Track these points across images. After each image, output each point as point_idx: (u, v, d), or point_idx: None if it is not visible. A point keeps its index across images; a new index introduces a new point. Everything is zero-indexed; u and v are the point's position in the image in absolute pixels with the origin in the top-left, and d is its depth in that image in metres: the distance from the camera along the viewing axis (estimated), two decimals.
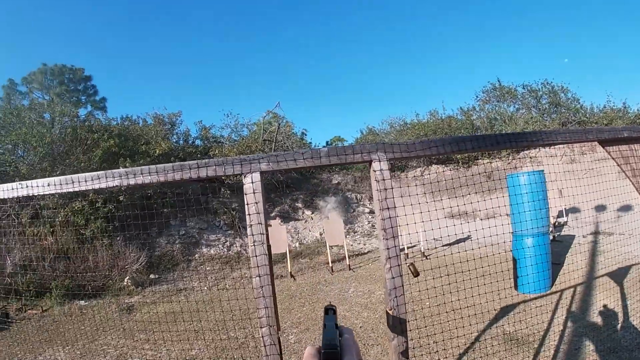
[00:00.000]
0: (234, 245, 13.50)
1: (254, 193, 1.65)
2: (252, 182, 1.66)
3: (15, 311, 7.99)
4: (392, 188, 1.64)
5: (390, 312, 1.63)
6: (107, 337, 6.52)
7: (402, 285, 1.62)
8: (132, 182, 1.83)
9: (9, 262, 8.90)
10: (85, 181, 1.93)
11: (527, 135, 1.92)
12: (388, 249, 1.62)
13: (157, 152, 14.53)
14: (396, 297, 1.61)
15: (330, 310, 0.99)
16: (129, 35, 49.07)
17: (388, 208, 1.63)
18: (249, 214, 1.64)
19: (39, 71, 25.06)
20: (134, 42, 49.30)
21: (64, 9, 44.72)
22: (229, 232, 14.18)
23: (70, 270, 9.19)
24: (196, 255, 12.30)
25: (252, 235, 1.62)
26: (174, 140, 17.79)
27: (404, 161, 19.45)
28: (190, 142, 18.77)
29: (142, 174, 1.80)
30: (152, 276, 10.45)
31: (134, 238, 11.28)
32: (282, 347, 5.47)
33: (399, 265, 1.62)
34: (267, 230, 1.67)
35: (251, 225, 1.63)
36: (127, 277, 9.75)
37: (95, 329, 6.97)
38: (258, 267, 1.61)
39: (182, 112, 18.50)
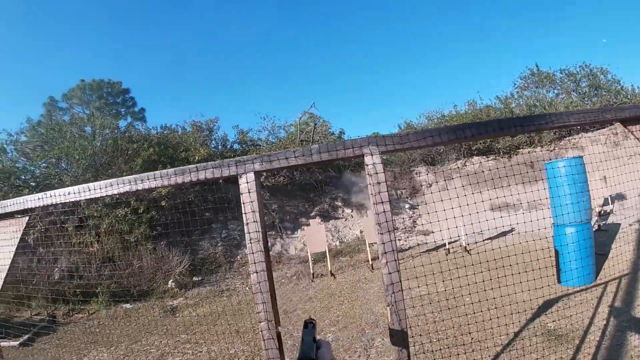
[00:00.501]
0: (275, 245, 13.64)
1: (249, 192, 1.67)
2: (247, 182, 1.68)
3: (62, 315, 8.40)
4: (385, 182, 1.61)
5: (388, 308, 1.61)
6: (150, 338, 6.75)
7: (400, 281, 1.60)
8: (140, 187, 1.91)
9: (56, 269, 9.36)
10: (100, 188, 2.03)
11: (534, 119, 1.83)
12: (384, 243, 1.61)
13: (197, 158, 14.84)
14: (394, 292, 1.59)
15: (309, 324, 1.01)
16: (161, 47, 50.60)
17: (382, 202, 1.61)
18: (245, 213, 1.67)
19: (77, 87, 26.11)
20: (167, 54, 50.80)
21: (98, 27, 46.51)
22: (270, 232, 14.33)
23: (116, 275, 9.57)
24: (238, 257, 12.48)
25: (249, 233, 1.65)
26: (213, 146, 18.09)
27: (444, 154, 19.13)
28: (228, 146, 19.02)
29: (148, 179, 1.88)
30: (195, 278, 10.70)
31: (177, 242, 11.60)
32: None
33: (395, 260, 1.61)
34: (264, 228, 1.69)
35: (247, 223, 1.66)
36: (171, 280, 10.04)
37: (139, 331, 7.23)
38: (255, 263, 1.64)
39: (219, 118, 18.83)
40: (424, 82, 59.86)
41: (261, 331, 1.61)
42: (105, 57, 46.53)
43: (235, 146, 19.23)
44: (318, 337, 1.00)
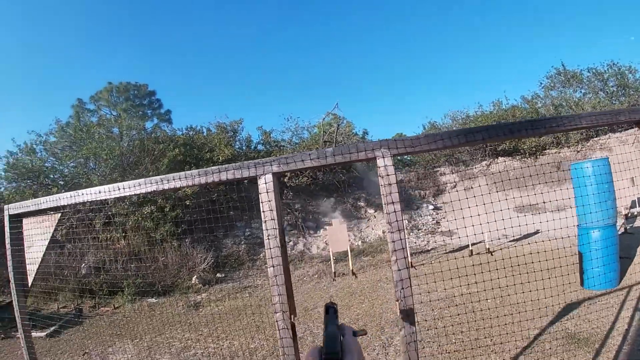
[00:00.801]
0: (297, 244, 13.79)
1: (267, 192, 1.78)
2: (266, 183, 1.79)
3: (89, 309, 8.70)
4: (396, 183, 1.69)
5: (397, 303, 1.69)
6: (174, 332, 6.94)
7: (409, 277, 1.68)
8: (166, 186, 2.03)
9: (83, 264, 9.69)
10: (129, 187, 2.16)
11: (544, 122, 1.87)
12: (394, 241, 1.69)
13: (221, 158, 15.10)
14: (403, 288, 1.67)
15: (330, 309, 0.99)
16: (186, 50, 51.48)
17: (393, 202, 1.69)
18: (264, 211, 1.78)
19: (105, 90, 26.82)
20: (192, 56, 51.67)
21: (124, 29, 47.57)
22: (293, 231, 14.49)
23: (141, 270, 9.84)
24: (261, 255, 12.63)
25: (267, 230, 1.76)
26: (237, 147, 18.25)
27: (469, 154, 18.99)
28: (252, 147, 19.20)
29: (174, 179, 2.01)
30: (218, 275, 10.93)
31: (202, 240, 11.86)
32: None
33: (405, 257, 1.68)
34: (281, 226, 1.79)
35: (265, 221, 1.76)
36: (195, 276, 10.28)
37: (163, 324, 7.42)
38: (272, 258, 1.75)
39: (243, 120, 19.02)
40: (449, 81, 59.28)
41: (276, 321, 1.72)
42: (133, 60, 47.59)
43: (259, 147, 19.39)
44: (340, 322, 0.97)
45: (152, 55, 49.62)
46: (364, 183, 17.93)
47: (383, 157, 1.72)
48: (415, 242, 13.39)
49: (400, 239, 1.68)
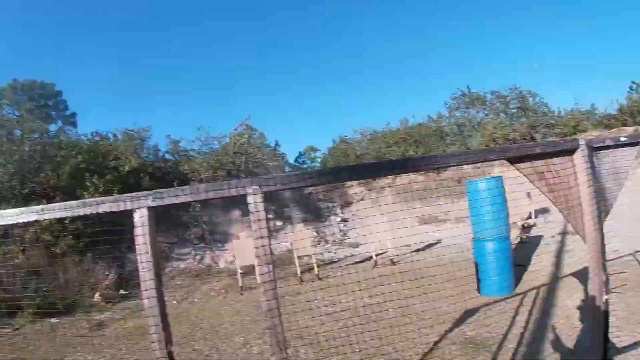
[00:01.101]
0: (204, 258, 13.60)
1: (142, 226, 1.85)
2: (141, 217, 1.85)
3: None
4: (266, 219, 1.83)
5: (268, 331, 1.82)
6: (76, 354, 6.55)
7: (278, 308, 1.82)
8: (47, 216, 2.04)
9: None
10: (11, 216, 2.11)
11: (415, 161, 2.10)
12: (262, 274, 1.82)
13: (127, 168, 14.37)
14: (272, 318, 1.80)
15: None
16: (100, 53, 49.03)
17: (262, 237, 1.82)
18: (138, 244, 1.84)
19: (9, 86, 24.85)
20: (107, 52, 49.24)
21: (31, 23, 44.44)
22: (200, 245, 14.28)
23: (41, 288, 9.21)
24: (167, 270, 12.25)
25: (142, 262, 1.82)
26: (144, 156, 17.36)
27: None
28: (160, 156, 18.41)
29: (54, 210, 2.01)
30: (122, 292, 10.48)
31: (104, 254, 11.25)
32: None
33: (273, 289, 1.82)
34: (156, 258, 1.86)
35: (140, 254, 1.82)
36: (97, 294, 9.81)
37: (65, 346, 7.00)
38: (147, 290, 1.81)
39: (151, 127, 18.08)
40: (361, 96, 60.18)
41: (153, 350, 1.78)
42: (38, 57, 44.43)
43: (167, 156, 18.74)
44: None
45: (58, 52, 46.43)
46: (273, 195, 17.96)
47: (254, 194, 1.85)
48: (322, 254, 13.63)
49: (269, 271, 1.81)
